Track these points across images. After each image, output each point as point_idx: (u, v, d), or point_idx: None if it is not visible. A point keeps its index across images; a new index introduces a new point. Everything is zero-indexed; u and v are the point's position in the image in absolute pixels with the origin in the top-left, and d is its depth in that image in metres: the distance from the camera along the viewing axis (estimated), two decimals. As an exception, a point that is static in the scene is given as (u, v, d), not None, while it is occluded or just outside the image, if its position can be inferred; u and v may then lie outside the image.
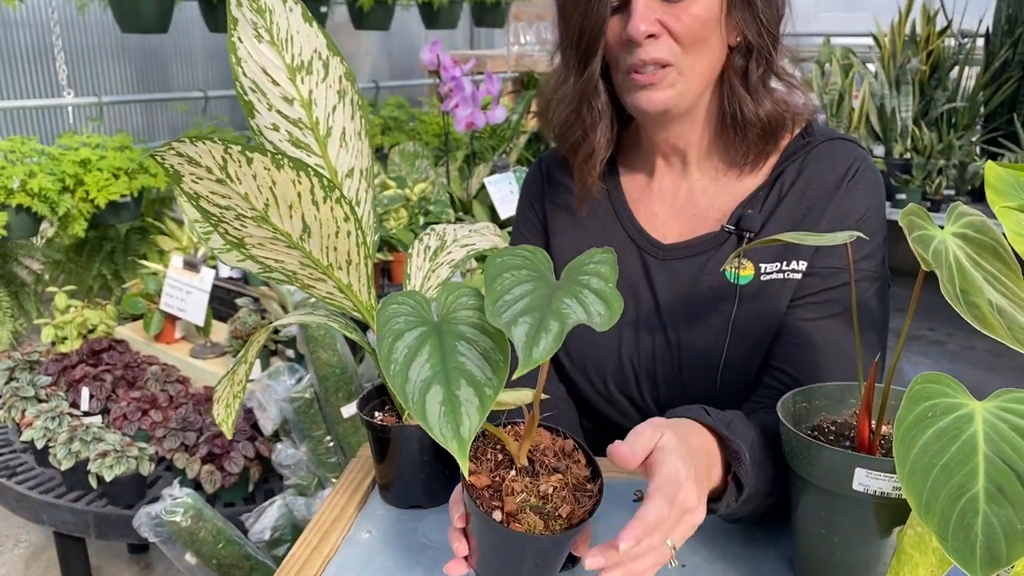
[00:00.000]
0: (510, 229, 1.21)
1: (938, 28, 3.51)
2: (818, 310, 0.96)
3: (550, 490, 0.69)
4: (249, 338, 1.96)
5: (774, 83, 0.96)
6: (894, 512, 0.72)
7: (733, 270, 0.98)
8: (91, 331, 2.19)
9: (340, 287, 0.81)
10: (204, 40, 4.15)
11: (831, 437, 0.80)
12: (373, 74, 4.56)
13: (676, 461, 0.71)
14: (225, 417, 0.91)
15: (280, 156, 0.69)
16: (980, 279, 0.67)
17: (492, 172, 2.65)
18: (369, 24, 3.66)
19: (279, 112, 0.77)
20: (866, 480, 0.71)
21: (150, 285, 2.16)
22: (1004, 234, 0.73)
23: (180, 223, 2.63)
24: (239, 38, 0.74)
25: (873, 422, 0.77)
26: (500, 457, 0.71)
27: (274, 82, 0.76)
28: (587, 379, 1.06)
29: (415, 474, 0.88)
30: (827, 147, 0.98)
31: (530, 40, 4.76)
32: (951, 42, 3.51)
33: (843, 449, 0.74)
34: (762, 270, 0.97)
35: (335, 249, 0.77)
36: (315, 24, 0.77)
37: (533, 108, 3.73)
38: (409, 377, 0.61)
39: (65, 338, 2.15)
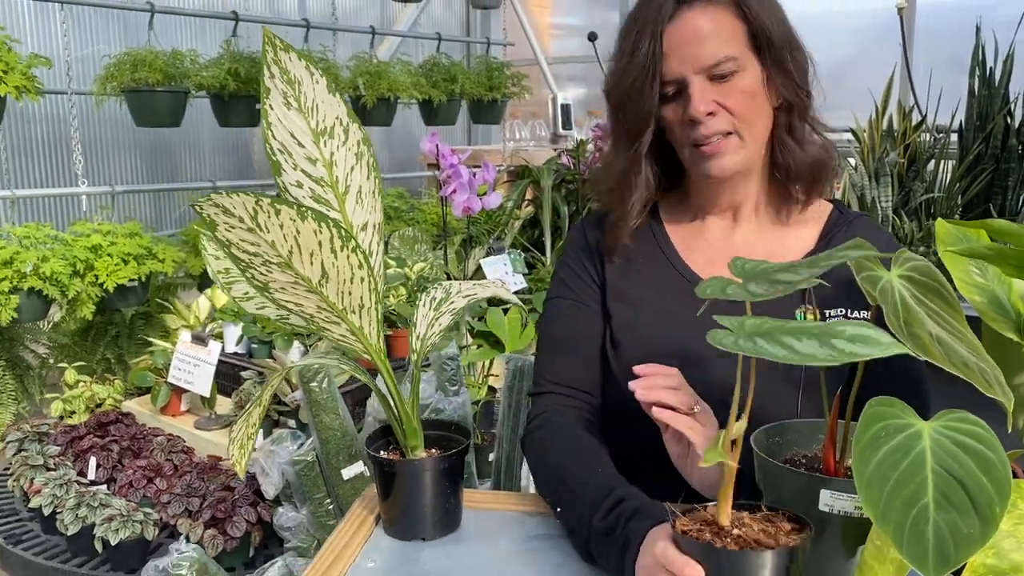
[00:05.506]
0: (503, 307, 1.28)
1: (913, 123, 3.68)
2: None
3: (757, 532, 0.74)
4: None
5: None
6: (857, 530, 0.78)
7: (802, 313, 1.07)
8: (99, 405, 2.25)
9: (353, 330, 0.89)
10: (213, 133, 4.32)
11: (801, 469, 0.86)
12: (374, 167, 4.73)
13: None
14: (239, 457, 0.98)
15: (304, 208, 0.79)
16: (923, 314, 0.75)
17: (488, 254, 2.76)
18: (372, 120, 3.83)
19: (303, 171, 0.87)
20: (830, 500, 0.78)
21: (158, 360, 2.23)
22: (951, 279, 0.82)
23: (187, 305, 2.71)
24: (271, 105, 0.85)
25: (839, 454, 0.84)
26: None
27: (300, 144, 0.86)
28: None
29: (418, 507, 0.94)
30: (866, 221, 1.15)
31: (525, 136, 4.94)
32: (927, 136, 3.68)
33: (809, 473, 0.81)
34: (827, 315, 1.07)
35: (349, 294, 0.86)
36: (337, 94, 0.87)
37: (528, 196, 3.88)
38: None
39: (73, 412, 2.21)
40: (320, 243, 0.81)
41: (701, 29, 1.03)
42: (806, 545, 0.73)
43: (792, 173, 1.11)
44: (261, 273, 0.82)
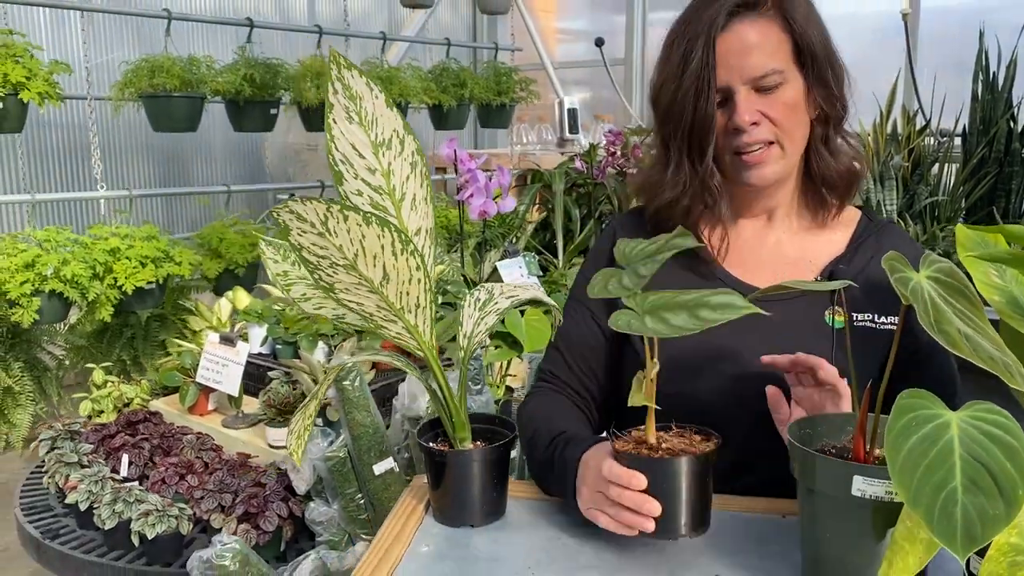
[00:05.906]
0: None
1: (917, 127, 3.74)
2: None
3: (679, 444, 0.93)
4: (303, 399, 2.08)
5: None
6: (888, 514, 0.83)
7: (830, 315, 1.13)
8: (126, 405, 2.31)
9: (408, 328, 0.95)
10: (226, 139, 4.38)
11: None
12: (383, 171, 4.80)
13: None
14: (296, 447, 1.03)
15: (369, 215, 0.84)
16: (951, 313, 0.81)
17: (503, 257, 2.81)
18: (383, 124, 3.89)
19: (363, 180, 0.93)
20: (863, 486, 0.83)
21: (186, 360, 2.29)
22: (971, 280, 0.88)
23: (210, 307, 2.77)
24: (334, 119, 0.90)
25: (869, 444, 0.90)
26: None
27: (360, 155, 0.92)
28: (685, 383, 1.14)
29: (467, 495, 1.00)
30: (894, 228, 1.20)
31: (532, 140, 5.00)
32: (930, 140, 3.74)
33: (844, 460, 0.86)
34: (855, 318, 1.12)
35: (407, 294, 0.91)
36: (395, 109, 0.93)
37: (538, 201, 3.93)
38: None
39: (102, 411, 2.27)
40: (383, 247, 0.86)
41: (750, 41, 1.08)
42: (715, 450, 0.93)
43: (826, 182, 1.16)
44: (328, 274, 0.88)
